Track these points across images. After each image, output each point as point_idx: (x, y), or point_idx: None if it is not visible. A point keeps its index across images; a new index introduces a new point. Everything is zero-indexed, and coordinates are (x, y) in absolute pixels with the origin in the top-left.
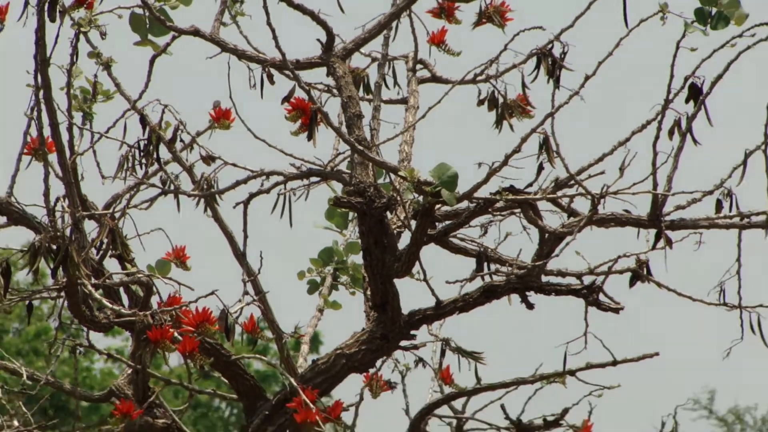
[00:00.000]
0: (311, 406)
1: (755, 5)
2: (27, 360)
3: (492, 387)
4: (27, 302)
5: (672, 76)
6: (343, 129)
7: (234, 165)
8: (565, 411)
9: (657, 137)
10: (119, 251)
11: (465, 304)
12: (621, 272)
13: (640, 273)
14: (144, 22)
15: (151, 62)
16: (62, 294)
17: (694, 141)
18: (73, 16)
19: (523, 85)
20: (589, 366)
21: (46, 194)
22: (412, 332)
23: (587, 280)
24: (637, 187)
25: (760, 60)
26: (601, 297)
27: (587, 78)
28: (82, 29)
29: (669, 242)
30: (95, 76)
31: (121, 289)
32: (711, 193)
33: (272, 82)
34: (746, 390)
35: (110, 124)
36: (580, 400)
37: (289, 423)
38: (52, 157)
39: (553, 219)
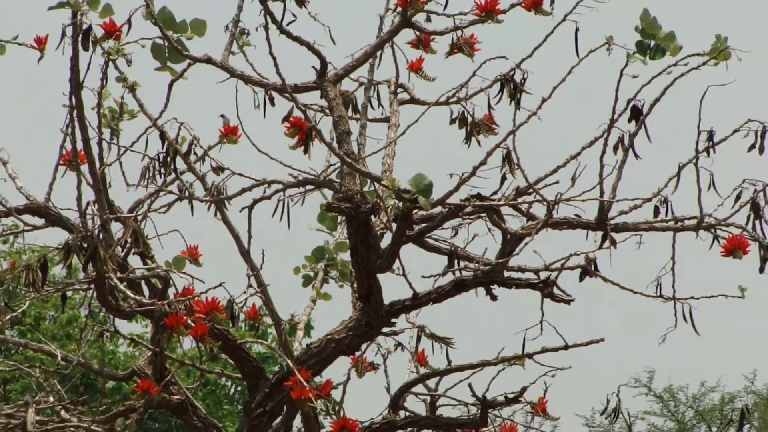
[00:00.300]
0: (305, 384)
1: (688, 38)
2: (61, 343)
3: (461, 368)
4: (61, 293)
5: (616, 99)
6: (334, 144)
7: (240, 175)
8: (524, 389)
9: (603, 152)
10: (141, 249)
11: (438, 295)
12: (572, 269)
13: (588, 269)
14: (164, 51)
15: (170, 86)
16: (92, 286)
17: (636, 155)
18: (103, 46)
19: (489, 107)
20: (545, 350)
21: (79, 199)
22: (393, 320)
23: (543, 275)
24: (586, 194)
25: (693, 85)
26: (555, 290)
27: (543, 101)
28: (110, 57)
29: (614, 243)
30: (122, 97)
31: (143, 282)
32: (650, 200)
33: (273, 104)
34: (680, 371)
35: (134, 139)
36: (536, 380)
37: (286, 399)
38: (84, 168)
39: (514, 222)
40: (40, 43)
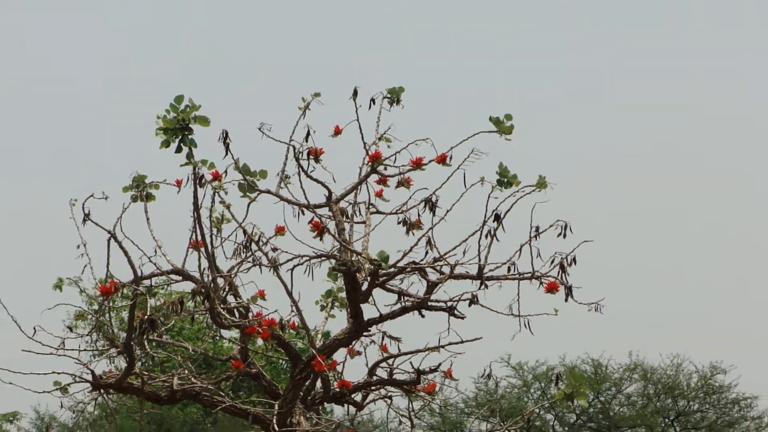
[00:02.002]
0: (323, 363)
1: (526, 170)
2: (192, 342)
3: (406, 353)
4: (191, 316)
5: (486, 209)
6: (336, 235)
7: (286, 252)
8: (439, 364)
9: (480, 236)
10: (234, 292)
11: (393, 315)
12: (464, 300)
13: (473, 300)
14: (245, 187)
15: (248, 206)
16: (207, 313)
17: (497, 239)
18: (212, 185)
19: (418, 215)
20: (450, 343)
21: (199, 266)
22: (369, 329)
23: (450, 304)
24: (472, 260)
25: (528, 202)
26: (456, 312)
27: (442, 217)
28: (215, 190)
29: (486, 286)
30: (222, 213)
31: (235, 310)
32: (505, 264)
33: (303, 214)
34: (527, 353)
35: (228, 234)
36: (446, 359)
37: (312, 371)
38: (202, 250)
39: (434, 275)
40: (179, 183)
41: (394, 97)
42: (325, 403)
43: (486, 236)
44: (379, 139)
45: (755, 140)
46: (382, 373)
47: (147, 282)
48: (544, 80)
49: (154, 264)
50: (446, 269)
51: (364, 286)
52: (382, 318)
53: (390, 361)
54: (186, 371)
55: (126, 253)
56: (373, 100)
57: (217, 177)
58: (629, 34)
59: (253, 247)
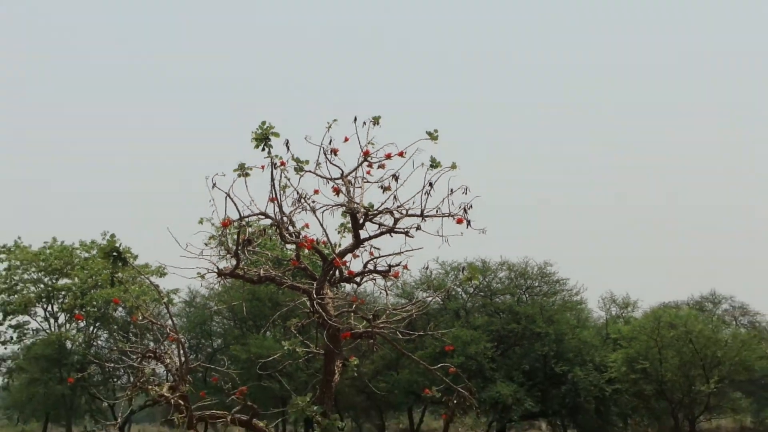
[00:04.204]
0: (339, 261)
1: (446, 159)
2: (270, 251)
3: (383, 256)
4: (270, 237)
5: (424, 180)
6: (346, 193)
7: (319, 203)
8: (400, 262)
9: (421, 194)
10: (291, 224)
11: (375, 236)
12: (413, 227)
13: (418, 227)
14: (298, 168)
15: (299, 179)
16: (278, 235)
17: (431, 195)
18: (280, 167)
19: (389, 184)
20: (406, 250)
21: (274, 210)
22: (363, 243)
23: (405, 229)
24: (417, 206)
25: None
26: (409, 234)
27: (401, 184)
28: (282, 170)
29: (424, 219)
30: (285, 182)
31: (293, 234)
32: (435, 208)
33: (327, 183)
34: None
35: (288, 194)
36: (404, 259)
37: (333, 265)
38: (275, 202)
39: (397, 215)
40: (263, 167)
41: (375, 120)
42: (340, 283)
43: (425, 194)
44: (368, 143)
45: None
46: (370, 266)
47: (246, 219)
48: None
49: (250, 210)
50: (404, 211)
51: (361, 221)
52: (370, 238)
53: (374, 260)
54: (267, 266)
55: (235, 204)
56: (364, 122)
57: (282, 164)
58: None
59: (302, 201)
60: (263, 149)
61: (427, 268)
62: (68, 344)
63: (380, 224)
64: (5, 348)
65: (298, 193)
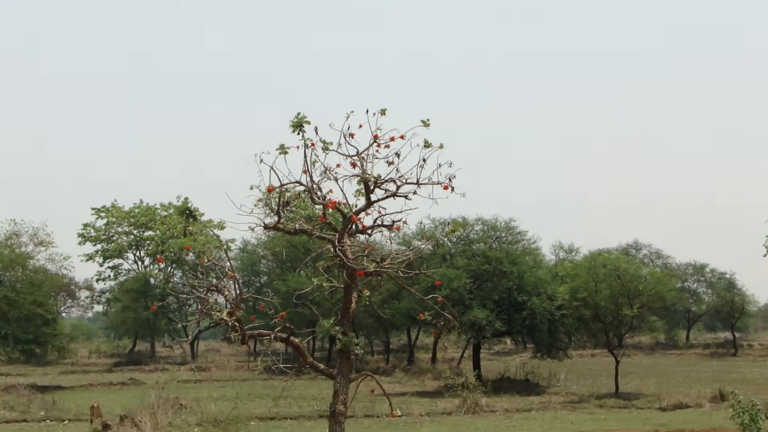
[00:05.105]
0: (355, 218)
1: (437, 140)
2: (303, 210)
3: (389, 213)
4: (303, 200)
5: (420, 157)
6: (360, 166)
7: (340, 174)
8: (401, 218)
9: (417, 167)
10: (320, 190)
11: (382, 199)
12: (411, 192)
13: (415, 192)
14: (324, 147)
15: (325, 156)
16: (310, 198)
17: (423, 168)
18: (310, 147)
19: (393, 159)
20: (406, 210)
21: (306, 180)
22: (374, 204)
23: (405, 193)
24: (413, 176)
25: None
26: (408, 197)
27: (402, 159)
28: (312, 149)
29: (419, 186)
30: (314, 159)
31: (321, 197)
32: (428, 177)
33: (347, 158)
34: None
35: (317, 167)
36: (404, 215)
37: (351, 221)
38: (307, 174)
39: (399, 183)
40: (297, 147)
41: (383, 111)
42: (356, 234)
43: (419, 167)
44: (376, 129)
45: None
46: (378, 222)
47: (285, 186)
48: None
49: (288, 179)
50: (404, 180)
51: (372, 188)
52: (378, 200)
53: (381, 217)
54: (301, 221)
55: (277, 175)
56: (374, 113)
57: (312, 144)
58: None
59: (327, 172)
60: (298, 133)
61: (421, 223)
62: (151, 280)
63: (386, 190)
64: (104, 284)
65: (324, 166)
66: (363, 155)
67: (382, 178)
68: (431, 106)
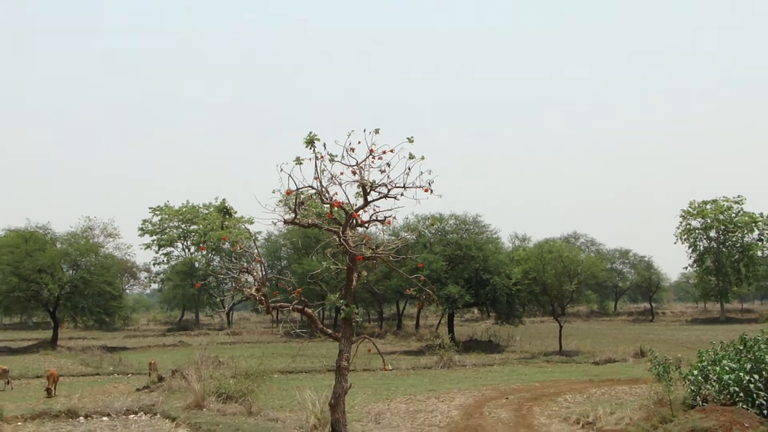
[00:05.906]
0: (356, 214)
1: (419, 152)
2: (314, 208)
3: (382, 211)
4: (314, 200)
5: (406, 166)
6: (359, 174)
7: (343, 179)
8: (392, 215)
9: (404, 174)
10: (327, 192)
11: (377, 199)
12: (398, 193)
13: (402, 194)
14: (331, 159)
15: (332, 165)
16: (320, 198)
17: (408, 174)
18: (320, 159)
19: (385, 168)
20: (395, 208)
21: (316, 184)
22: (369, 203)
23: (395, 194)
24: (400, 181)
25: (420, 163)
26: (397, 198)
27: (392, 168)
28: (320, 160)
29: (405, 188)
30: (322, 168)
31: (328, 198)
32: (413, 182)
33: (349, 167)
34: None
35: (324, 175)
36: (393, 212)
37: (352, 217)
38: (317, 180)
39: (390, 186)
40: (309, 159)
41: (376, 131)
42: (356, 227)
43: (405, 174)
44: (372, 144)
45: None
46: (374, 217)
47: (300, 190)
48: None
49: (303, 184)
50: (393, 185)
51: (368, 191)
52: (373, 200)
53: (376, 213)
54: (313, 217)
55: (294, 181)
56: (371, 132)
57: (321, 157)
58: None
59: (333, 179)
60: (310, 148)
61: (407, 218)
62: (196, 264)
63: (379, 192)
64: (159, 267)
65: (331, 174)
66: (361, 165)
67: (377, 183)
68: (427, 121)
